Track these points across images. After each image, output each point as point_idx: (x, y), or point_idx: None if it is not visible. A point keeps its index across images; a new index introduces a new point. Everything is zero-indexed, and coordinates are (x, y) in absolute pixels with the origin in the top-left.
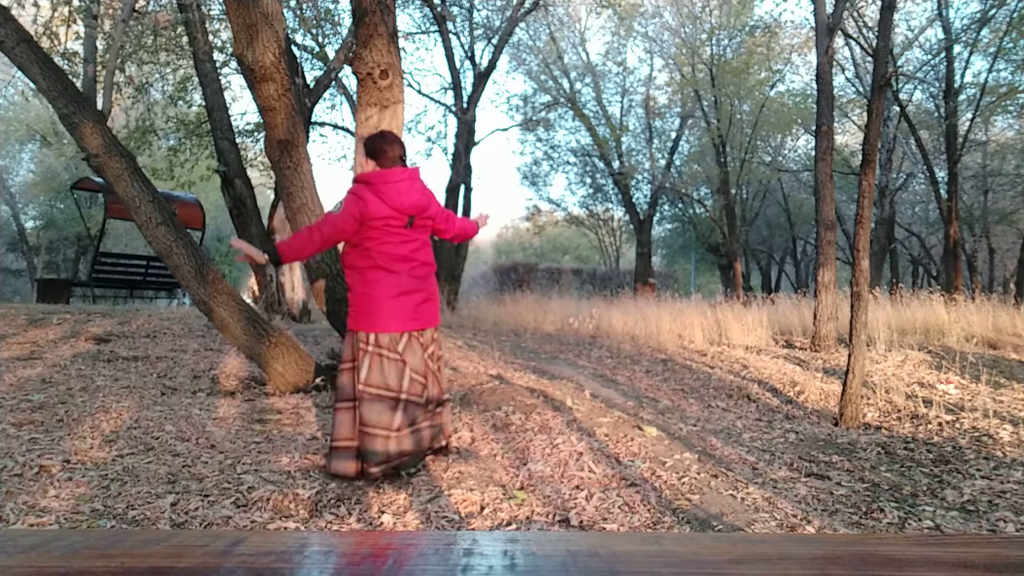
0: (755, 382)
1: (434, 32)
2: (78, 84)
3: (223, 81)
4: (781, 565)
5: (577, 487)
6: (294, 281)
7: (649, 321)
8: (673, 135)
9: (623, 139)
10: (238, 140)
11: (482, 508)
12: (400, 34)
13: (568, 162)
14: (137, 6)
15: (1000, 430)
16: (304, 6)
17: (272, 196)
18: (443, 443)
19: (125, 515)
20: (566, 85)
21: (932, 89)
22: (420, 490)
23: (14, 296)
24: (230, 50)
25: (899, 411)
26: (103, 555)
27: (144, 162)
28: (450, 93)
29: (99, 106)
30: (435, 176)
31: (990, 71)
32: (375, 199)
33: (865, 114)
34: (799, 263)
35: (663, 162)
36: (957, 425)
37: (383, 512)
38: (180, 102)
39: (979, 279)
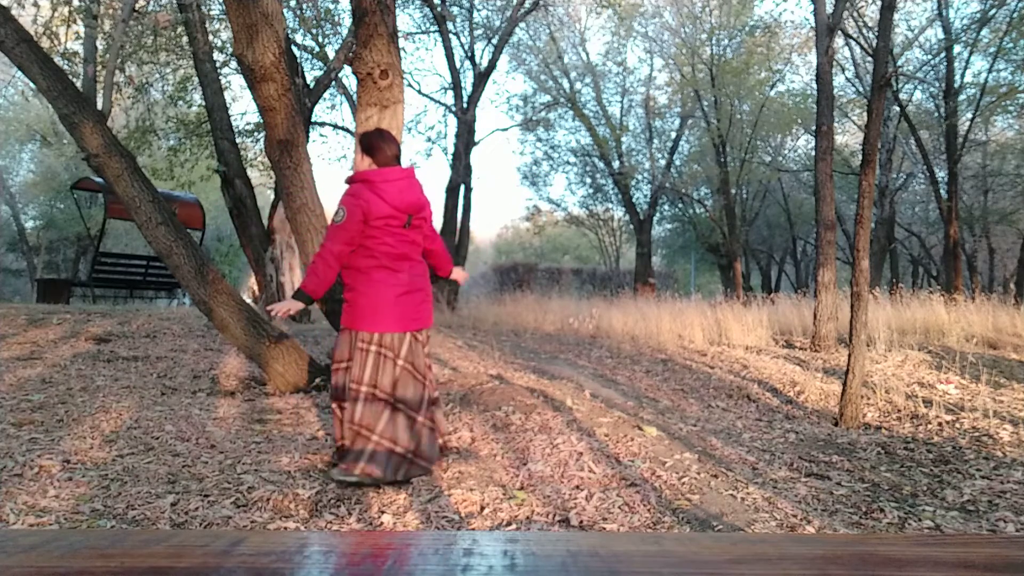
0: (755, 382)
1: (434, 32)
2: (78, 84)
3: (223, 81)
4: (781, 565)
5: (577, 487)
6: (294, 281)
7: (649, 321)
8: (673, 135)
9: (623, 139)
10: (238, 140)
11: (482, 508)
12: (400, 34)
13: (568, 162)
14: (137, 6)
15: (1000, 430)
16: (304, 6)
17: (272, 196)
18: (440, 441)
19: (125, 515)
20: (566, 85)
21: (932, 89)
22: (420, 490)
23: (14, 296)
24: (230, 50)
25: (899, 411)
26: (103, 555)
27: (144, 162)
28: (450, 93)
29: (99, 106)
30: (435, 176)
31: (990, 71)
32: (376, 198)
33: (865, 114)
34: (799, 263)
35: (663, 162)
36: (957, 425)
37: (383, 512)
38: (180, 102)
39: (979, 279)
